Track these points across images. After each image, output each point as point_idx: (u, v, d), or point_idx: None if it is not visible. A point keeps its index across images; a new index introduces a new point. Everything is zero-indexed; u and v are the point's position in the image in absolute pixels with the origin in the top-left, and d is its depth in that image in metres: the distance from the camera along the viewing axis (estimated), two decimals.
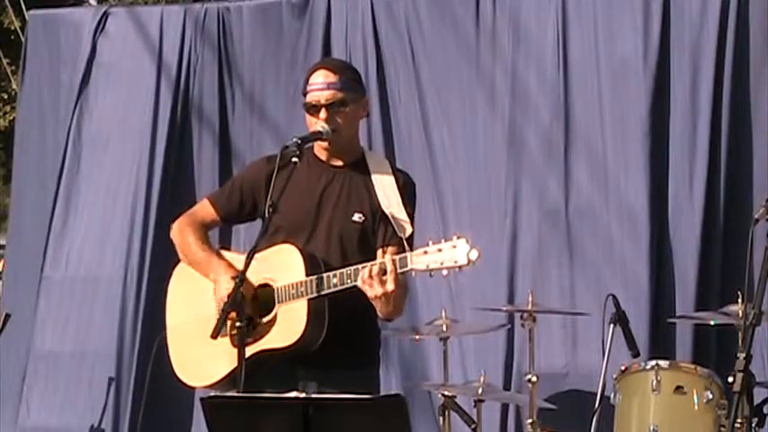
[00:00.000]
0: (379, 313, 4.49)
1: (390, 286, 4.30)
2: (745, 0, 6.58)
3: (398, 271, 4.32)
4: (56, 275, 7.43)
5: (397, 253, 4.39)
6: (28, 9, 8.16)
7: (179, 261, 4.81)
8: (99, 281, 7.35)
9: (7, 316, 6.92)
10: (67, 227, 7.45)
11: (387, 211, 4.50)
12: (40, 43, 7.70)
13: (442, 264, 4.23)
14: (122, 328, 7.23)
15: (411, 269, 4.30)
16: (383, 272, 4.31)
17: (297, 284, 4.44)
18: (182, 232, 4.75)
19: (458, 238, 4.24)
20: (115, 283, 7.29)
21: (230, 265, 4.59)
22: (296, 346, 4.43)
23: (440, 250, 4.23)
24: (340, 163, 4.65)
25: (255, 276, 4.47)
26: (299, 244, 4.52)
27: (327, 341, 4.45)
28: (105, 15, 7.60)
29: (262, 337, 4.48)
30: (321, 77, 4.60)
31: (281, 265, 4.49)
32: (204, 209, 4.81)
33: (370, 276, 4.31)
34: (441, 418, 5.84)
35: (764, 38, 6.57)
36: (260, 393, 4.15)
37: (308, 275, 4.43)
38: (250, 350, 4.44)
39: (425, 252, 4.27)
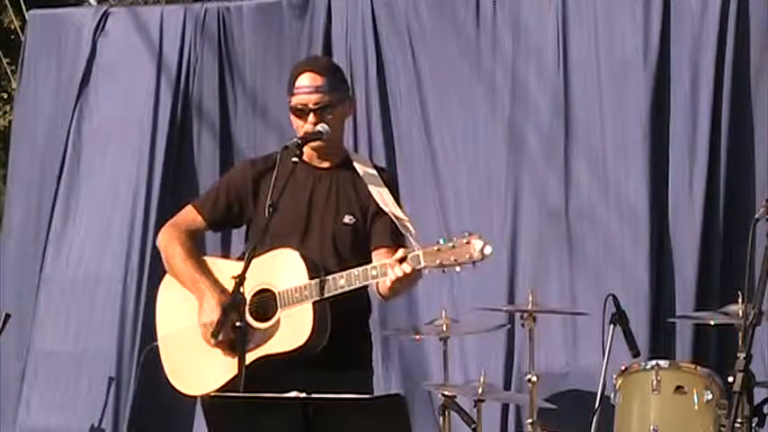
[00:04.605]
0: (381, 294, 4.46)
1: (408, 268, 4.24)
2: (745, 0, 6.59)
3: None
4: (56, 275, 7.42)
5: (394, 250, 4.36)
6: (28, 9, 8.13)
7: None
8: (99, 281, 7.34)
9: (7, 316, 6.90)
10: (67, 227, 7.44)
11: (387, 211, 4.46)
12: (40, 43, 7.69)
13: (455, 260, 4.20)
14: (122, 328, 7.22)
15: (424, 266, 4.26)
16: (401, 260, 4.26)
17: (301, 288, 4.39)
18: (168, 244, 4.66)
19: (470, 235, 4.21)
20: (115, 283, 7.28)
21: (216, 283, 4.51)
22: (301, 350, 4.39)
23: (453, 247, 4.20)
24: (326, 165, 4.61)
25: (252, 281, 4.39)
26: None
27: (327, 343, 4.42)
28: (105, 15, 7.59)
29: (264, 342, 4.43)
30: (307, 80, 4.53)
31: (282, 270, 4.44)
32: (190, 215, 4.72)
33: (399, 262, 4.24)
34: (441, 418, 5.83)
35: (764, 37, 6.57)
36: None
37: (311, 279, 4.40)
38: (251, 356, 4.39)
39: (438, 249, 4.23)
